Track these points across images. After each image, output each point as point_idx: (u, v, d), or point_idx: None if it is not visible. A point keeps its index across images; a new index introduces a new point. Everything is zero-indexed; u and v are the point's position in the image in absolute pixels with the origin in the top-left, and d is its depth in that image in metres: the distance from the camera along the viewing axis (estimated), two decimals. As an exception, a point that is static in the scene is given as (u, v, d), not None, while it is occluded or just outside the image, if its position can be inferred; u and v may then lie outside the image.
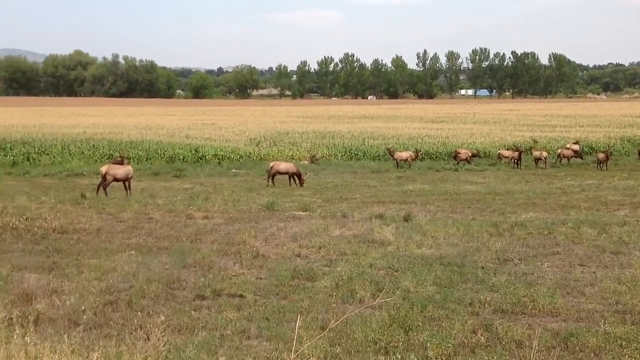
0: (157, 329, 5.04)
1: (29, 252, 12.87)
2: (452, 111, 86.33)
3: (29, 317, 7.71)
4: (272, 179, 25.95)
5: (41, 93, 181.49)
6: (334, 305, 9.63)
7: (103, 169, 22.34)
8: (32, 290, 9.82)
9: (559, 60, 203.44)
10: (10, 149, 36.06)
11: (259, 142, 42.06)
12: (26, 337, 4.68)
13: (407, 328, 8.46)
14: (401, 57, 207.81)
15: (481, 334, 8.42)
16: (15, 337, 4.68)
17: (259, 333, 8.41)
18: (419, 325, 8.55)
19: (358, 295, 10.00)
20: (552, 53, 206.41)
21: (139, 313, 8.85)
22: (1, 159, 34.10)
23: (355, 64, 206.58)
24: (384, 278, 11.08)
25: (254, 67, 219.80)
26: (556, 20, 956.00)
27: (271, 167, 26.21)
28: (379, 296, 9.60)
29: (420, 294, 10.03)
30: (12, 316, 6.21)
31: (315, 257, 12.71)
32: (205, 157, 36.04)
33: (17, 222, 15.39)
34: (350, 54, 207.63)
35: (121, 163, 22.73)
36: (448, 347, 7.85)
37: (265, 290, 10.30)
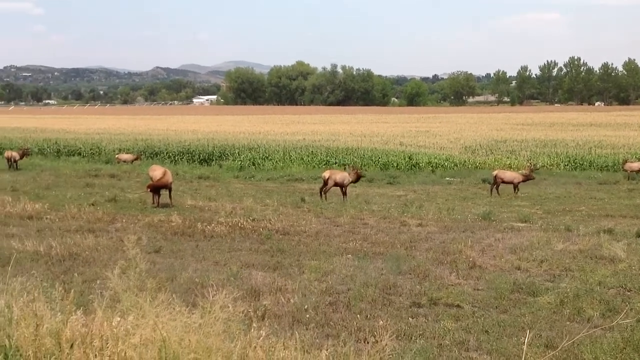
0: (385, 333, 5.03)
1: (255, 251, 13.69)
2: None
3: (257, 312, 8.17)
4: (497, 188, 24.99)
5: (265, 102, 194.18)
6: (558, 323, 9.05)
7: (325, 174, 23.25)
8: (259, 287, 10.42)
9: None
10: (238, 155, 38.84)
11: (475, 150, 41.24)
12: (261, 331, 4.92)
13: (643, 353, 7.70)
14: (634, 60, 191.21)
15: None
16: (252, 330, 4.93)
17: (479, 346, 8.14)
18: (656, 352, 7.74)
19: (586, 314, 9.32)
20: None
21: (357, 315, 9.01)
22: (230, 164, 36.88)
23: (582, 68, 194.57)
24: (615, 297, 10.19)
25: (471, 74, 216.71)
26: None
27: (495, 176, 25.30)
28: (608, 316, 8.87)
29: (657, 318, 9.08)
30: (249, 310, 6.66)
31: (537, 271, 12.07)
32: (418, 164, 36.05)
33: (245, 223, 16.51)
34: (576, 57, 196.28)
35: (358, 176, 23.27)
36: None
37: (483, 302, 9.97)
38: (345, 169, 26.74)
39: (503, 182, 25.08)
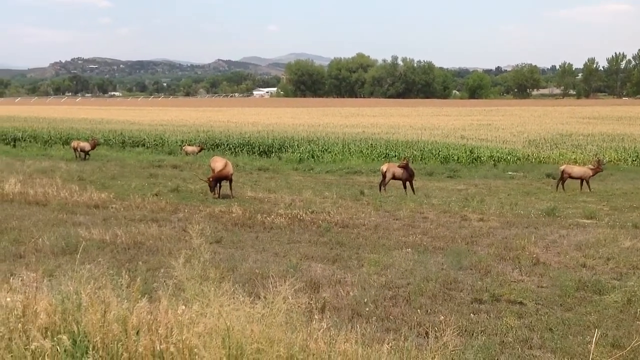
0: (446, 328, 4.96)
1: (315, 243, 13.73)
2: None
3: (317, 304, 8.19)
4: (563, 184, 24.35)
5: (325, 94, 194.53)
6: (625, 322, 8.78)
7: (384, 167, 23.12)
8: (319, 279, 10.45)
9: None
10: (298, 147, 38.97)
11: (539, 144, 40.32)
12: (322, 323, 4.92)
13: None
14: None
15: None
16: (314, 321, 4.94)
17: (542, 344, 7.96)
18: None
19: (655, 313, 9.00)
20: None
21: (418, 310, 8.94)
22: (289, 156, 37.04)
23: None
24: (687, 298, 9.82)
25: (535, 66, 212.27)
26: None
27: (562, 171, 24.63)
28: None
29: None
30: (310, 301, 6.69)
31: (603, 269, 11.72)
32: (480, 158, 35.44)
33: (304, 215, 16.59)
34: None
35: (405, 167, 22.89)
36: None
37: (547, 300, 9.74)
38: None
39: (570, 177, 24.40)
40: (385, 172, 22.75)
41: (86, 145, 34.29)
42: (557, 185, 24.50)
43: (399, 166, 22.63)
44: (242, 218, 16.35)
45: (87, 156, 33.89)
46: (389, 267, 11.47)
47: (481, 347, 7.54)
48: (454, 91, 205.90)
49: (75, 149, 34.33)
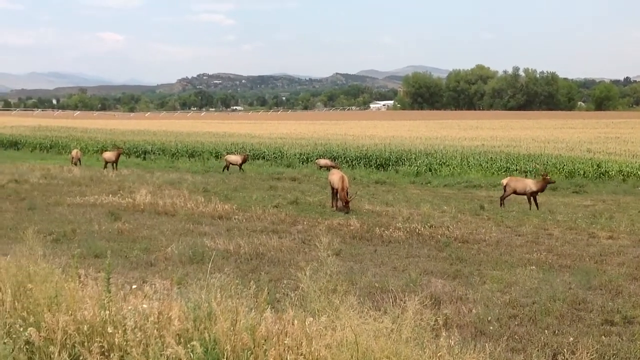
0: (584, 351, 4.75)
1: (434, 258, 13.56)
2: None
3: (438, 320, 8.07)
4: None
5: (443, 107, 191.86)
6: None
7: (504, 181, 22.53)
8: (439, 295, 10.30)
9: None
10: (415, 160, 38.65)
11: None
12: (450, 340, 4.85)
13: None
14: None
15: None
16: (442, 338, 4.87)
17: (682, 372, 7.46)
18: None
19: None
20: None
21: (545, 331, 8.61)
22: (406, 169, 36.84)
23: None
24: None
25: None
26: None
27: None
28: None
29: None
30: (438, 318, 6.61)
31: None
32: (608, 172, 33.73)
33: (422, 229, 16.44)
34: None
35: (549, 182, 22.18)
36: None
37: (686, 325, 9.10)
38: (526, 176, 25.68)
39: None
40: (505, 185, 22.15)
41: (237, 159, 35.30)
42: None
43: (544, 181, 21.86)
44: (360, 231, 16.42)
45: (241, 170, 34.63)
46: (512, 284, 11.13)
47: (615, 372, 7.16)
48: (579, 103, 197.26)
49: (228, 163, 35.09)
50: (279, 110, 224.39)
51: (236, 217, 18.50)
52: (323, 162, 37.44)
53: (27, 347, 4.99)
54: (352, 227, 16.83)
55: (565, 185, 30.23)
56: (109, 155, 35.42)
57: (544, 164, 35.35)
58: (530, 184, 22.01)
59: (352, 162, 40.24)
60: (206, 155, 45.14)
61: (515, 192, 21.98)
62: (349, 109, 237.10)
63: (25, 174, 30.07)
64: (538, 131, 65.32)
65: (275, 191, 25.66)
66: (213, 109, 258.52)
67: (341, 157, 41.02)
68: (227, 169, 34.91)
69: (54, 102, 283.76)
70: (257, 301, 5.92)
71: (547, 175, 22.77)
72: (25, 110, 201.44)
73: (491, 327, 8.68)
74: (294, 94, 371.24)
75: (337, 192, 20.72)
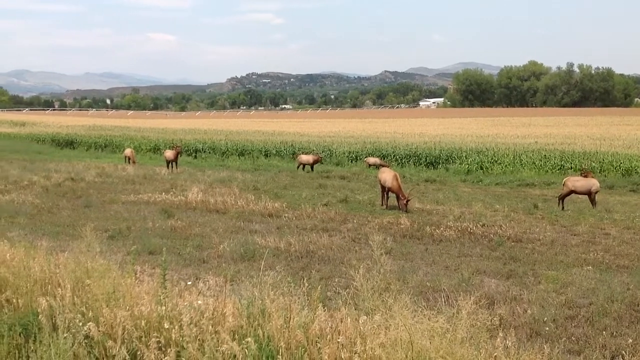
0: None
1: (486, 258, 13.36)
2: None
3: (492, 321, 7.95)
4: None
5: (494, 104, 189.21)
6: None
7: (564, 180, 22.08)
8: (493, 295, 10.14)
9: None
10: (466, 158, 38.13)
11: None
12: (507, 341, 4.76)
13: None
14: None
15: None
16: (498, 339, 4.79)
17: None
18: None
19: None
20: None
21: (602, 332, 8.39)
22: (457, 167, 36.37)
23: None
24: None
25: None
26: None
27: None
28: None
29: None
30: (493, 318, 6.52)
31: None
32: (667, 170, 32.72)
33: (474, 228, 16.21)
34: None
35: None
36: None
37: None
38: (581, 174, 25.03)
39: None
40: (563, 185, 21.70)
41: (309, 159, 35.34)
42: None
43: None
44: (411, 230, 16.30)
45: (311, 169, 34.56)
46: (568, 285, 10.89)
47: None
48: (636, 99, 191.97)
49: (300, 163, 35.11)
50: (327, 109, 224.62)
51: (286, 215, 18.58)
52: (372, 160, 37.25)
53: (87, 341, 5.10)
54: (402, 226, 16.71)
55: (622, 183, 29.42)
56: (169, 154, 35.84)
57: (600, 163, 34.49)
58: (591, 184, 21.43)
59: (401, 160, 39.95)
60: (255, 153, 45.43)
61: (575, 192, 21.47)
62: (398, 107, 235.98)
63: (81, 172, 30.82)
64: (593, 128, 63.81)
65: (324, 189, 25.66)
66: (262, 108, 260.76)
67: (390, 155, 40.77)
68: (303, 168, 34.78)
69: (108, 101, 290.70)
70: (309, 299, 5.93)
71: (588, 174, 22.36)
72: (80, 110, 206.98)
73: (547, 328, 8.50)
74: (343, 92, 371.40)
75: (388, 191, 20.60)
